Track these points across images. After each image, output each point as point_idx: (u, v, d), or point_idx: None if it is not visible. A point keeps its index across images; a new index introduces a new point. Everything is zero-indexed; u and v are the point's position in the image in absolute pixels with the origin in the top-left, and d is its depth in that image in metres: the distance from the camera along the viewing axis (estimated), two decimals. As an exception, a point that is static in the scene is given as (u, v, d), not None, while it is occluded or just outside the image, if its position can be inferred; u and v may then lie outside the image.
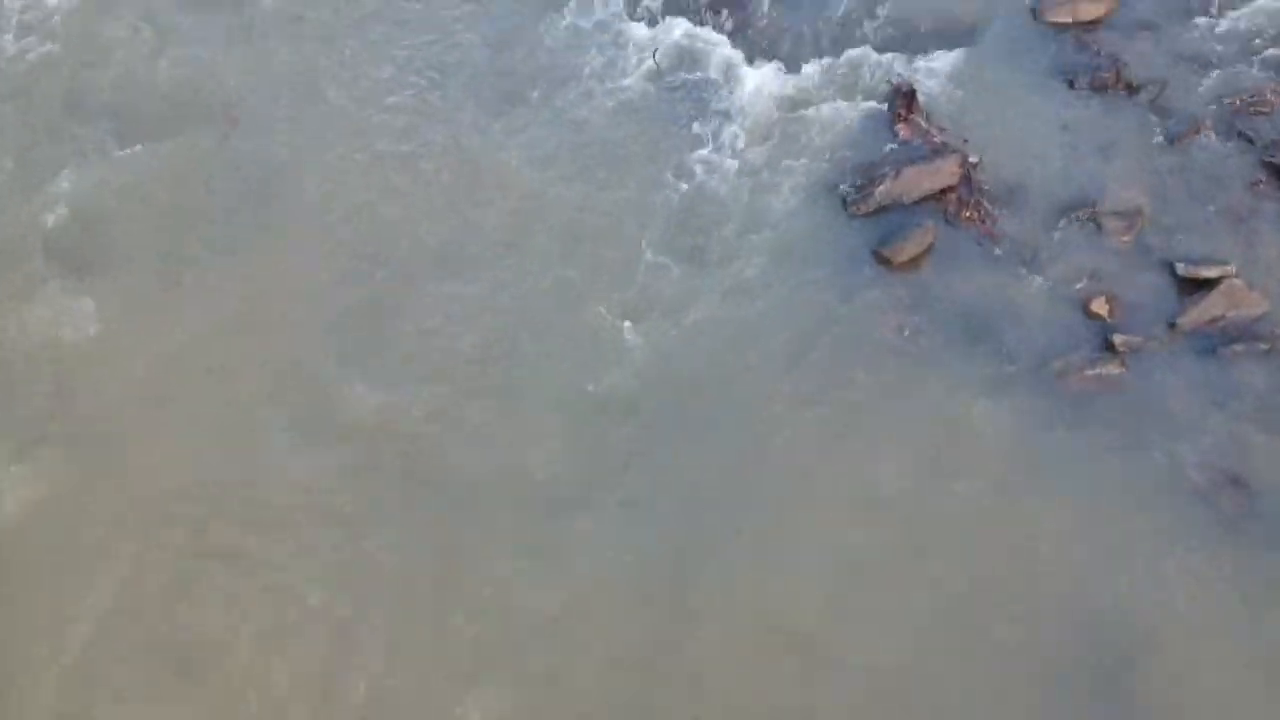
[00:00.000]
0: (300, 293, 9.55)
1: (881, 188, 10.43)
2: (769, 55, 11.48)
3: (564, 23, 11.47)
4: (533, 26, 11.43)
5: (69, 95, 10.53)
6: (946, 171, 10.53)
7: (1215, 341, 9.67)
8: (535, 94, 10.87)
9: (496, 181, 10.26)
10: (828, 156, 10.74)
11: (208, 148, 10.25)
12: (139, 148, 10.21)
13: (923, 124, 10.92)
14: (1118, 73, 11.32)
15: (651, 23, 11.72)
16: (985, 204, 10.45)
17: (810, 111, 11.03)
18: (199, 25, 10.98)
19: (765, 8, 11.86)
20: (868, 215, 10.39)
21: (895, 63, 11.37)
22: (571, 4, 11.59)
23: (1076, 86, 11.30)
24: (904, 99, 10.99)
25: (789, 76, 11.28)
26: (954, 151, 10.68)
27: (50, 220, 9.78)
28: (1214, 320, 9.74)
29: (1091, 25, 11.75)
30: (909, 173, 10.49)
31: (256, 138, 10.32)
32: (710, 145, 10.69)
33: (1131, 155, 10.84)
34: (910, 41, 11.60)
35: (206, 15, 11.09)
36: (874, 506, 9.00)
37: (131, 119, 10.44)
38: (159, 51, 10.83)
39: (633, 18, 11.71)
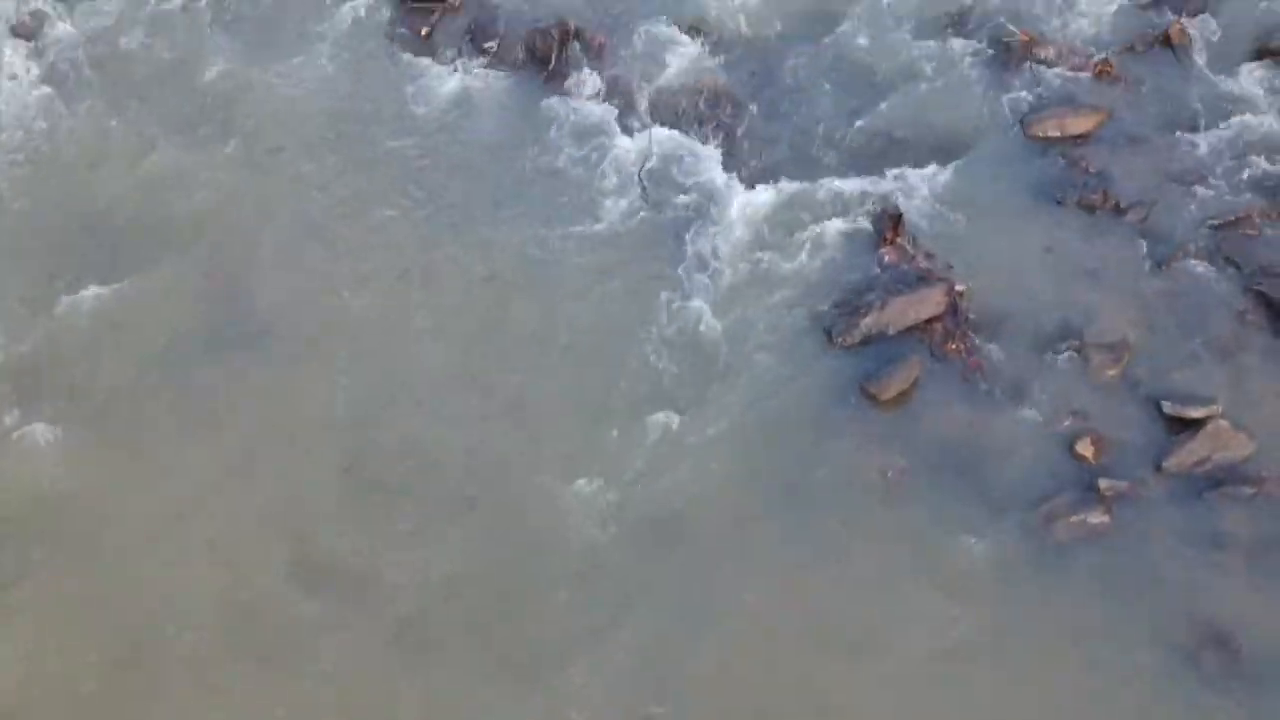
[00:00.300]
0: (284, 439, 9.50)
1: (867, 319, 10.36)
2: (755, 171, 11.43)
3: (545, 143, 11.38)
4: (516, 148, 11.35)
5: (46, 228, 10.45)
6: (933, 301, 10.46)
7: (1201, 485, 9.60)
8: (508, 228, 10.78)
9: (469, 325, 10.20)
10: (812, 283, 10.67)
11: (193, 283, 10.18)
12: (121, 285, 10.13)
13: (909, 248, 10.86)
14: (1105, 192, 11.27)
15: (638, 132, 11.64)
16: (971, 335, 10.39)
17: (795, 234, 10.97)
18: (181, 155, 10.92)
19: (753, 119, 11.80)
20: (852, 347, 10.32)
21: (881, 181, 11.31)
22: (553, 126, 11.50)
23: (1064, 205, 11.25)
24: (890, 222, 10.92)
25: (774, 196, 11.21)
26: (940, 279, 10.61)
27: (22, 359, 9.68)
28: (1200, 462, 9.69)
29: (1080, 140, 11.70)
30: (895, 303, 10.43)
31: (242, 274, 10.24)
32: (693, 275, 10.61)
33: (1119, 281, 10.79)
34: (897, 157, 11.54)
35: (186, 146, 11.04)
36: (854, 656, 8.94)
37: (111, 253, 10.37)
38: (141, 184, 10.77)
39: (617, 130, 11.63)
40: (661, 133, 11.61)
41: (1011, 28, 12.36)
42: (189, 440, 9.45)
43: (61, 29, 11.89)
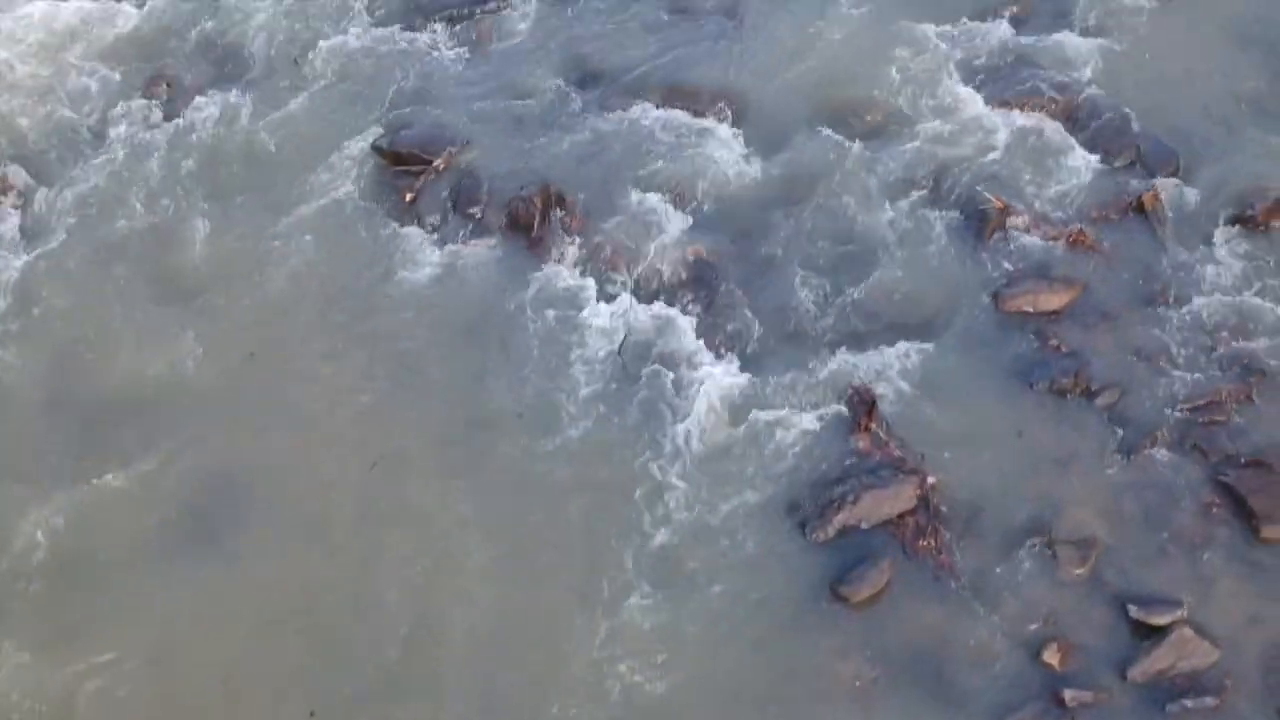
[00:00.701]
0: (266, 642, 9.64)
1: (840, 515, 10.51)
2: (731, 351, 11.57)
3: (524, 321, 11.53)
4: (496, 326, 11.51)
5: (18, 420, 10.60)
6: (905, 496, 10.61)
7: (1165, 695, 9.71)
8: (482, 416, 10.97)
9: (435, 521, 10.38)
10: (785, 473, 10.78)
11: (170, 477, 10.33)
12: (96, 480, 10.26)
13: (882, 435, 11.00)
14: (1077, 375, 11.41)
15: (617, 304, 11.81)
16: (942, 530, 10.53)
17: (771, 418, 11.10)
18: (160, 344, 11.08)
19: (732, 293, 11.95)
20: (826, 543, 10.47)
21: (856, 362, 11.46)
22: (533, 301, 11.66)
23: (1036, 389, 11.40)
24: (864, 408, 11.07)
25: (751, 378, 11.35)
26: (912, 471, 10.76)
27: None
28: (1164, 671, 9.82)
29: (1053, 316, 11.85)
30: (867, 498, 10.58)
31: (214, 471, 10.39)
32: (665, 468, 10.73)
33: (1088, 471, 10.91)
34: (872, 336, 11.69)
35: (166, 334, 11.21)
36: None
37: (87, 445, 10.51)
38: (120, 370, 10.91)
39: (597, 304, 11.80)
40: (640, 307, 11.78)
41: (987, 195, 12.52)
42: (169, 650, 9.57)
43: (45, 199, 12.06)
